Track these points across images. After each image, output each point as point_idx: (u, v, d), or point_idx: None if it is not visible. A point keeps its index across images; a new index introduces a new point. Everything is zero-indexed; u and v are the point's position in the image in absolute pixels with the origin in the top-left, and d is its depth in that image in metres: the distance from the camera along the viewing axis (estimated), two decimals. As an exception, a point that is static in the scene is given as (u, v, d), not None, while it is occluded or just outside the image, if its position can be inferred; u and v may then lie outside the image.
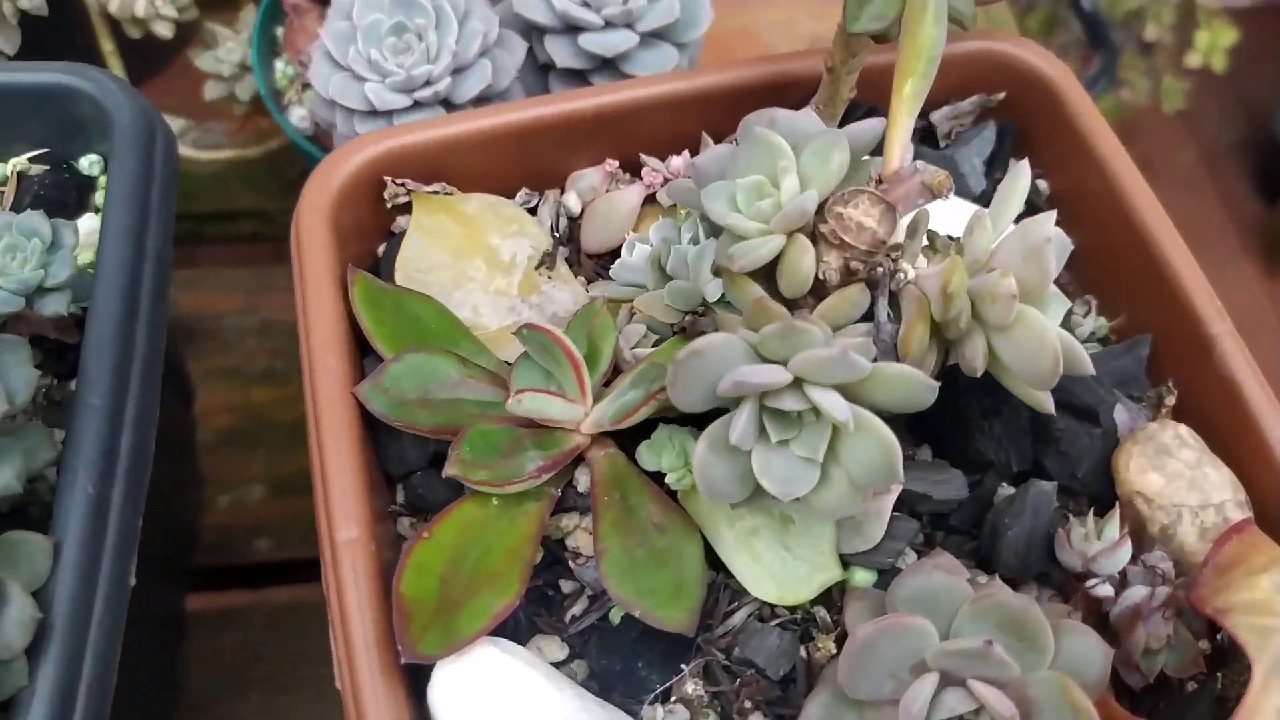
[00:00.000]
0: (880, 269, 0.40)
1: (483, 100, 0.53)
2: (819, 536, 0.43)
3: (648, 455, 0.43)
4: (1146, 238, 0.50)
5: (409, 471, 0.45)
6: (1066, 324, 0.53)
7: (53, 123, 0.48)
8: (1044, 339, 0.38)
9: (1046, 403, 0.42)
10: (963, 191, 0.53)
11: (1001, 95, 0.55)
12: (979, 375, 0.41)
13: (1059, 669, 0.38)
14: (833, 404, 0.37)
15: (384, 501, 0.45)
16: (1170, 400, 0.49)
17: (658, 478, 0.43)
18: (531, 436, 0.43)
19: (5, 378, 0.40)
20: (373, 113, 0.50)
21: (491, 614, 0.38)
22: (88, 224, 0.48)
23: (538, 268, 0.51)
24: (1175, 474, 0.45)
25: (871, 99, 0.54)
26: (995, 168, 0.55)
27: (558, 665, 0.42)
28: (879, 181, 0.41)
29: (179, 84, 0.69)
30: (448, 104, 0.51)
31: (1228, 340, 0.47)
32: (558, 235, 0.52)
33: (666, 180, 0.53)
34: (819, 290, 0.39)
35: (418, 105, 0.50)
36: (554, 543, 0.44)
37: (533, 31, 0.57)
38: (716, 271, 0.42)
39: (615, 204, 0.52)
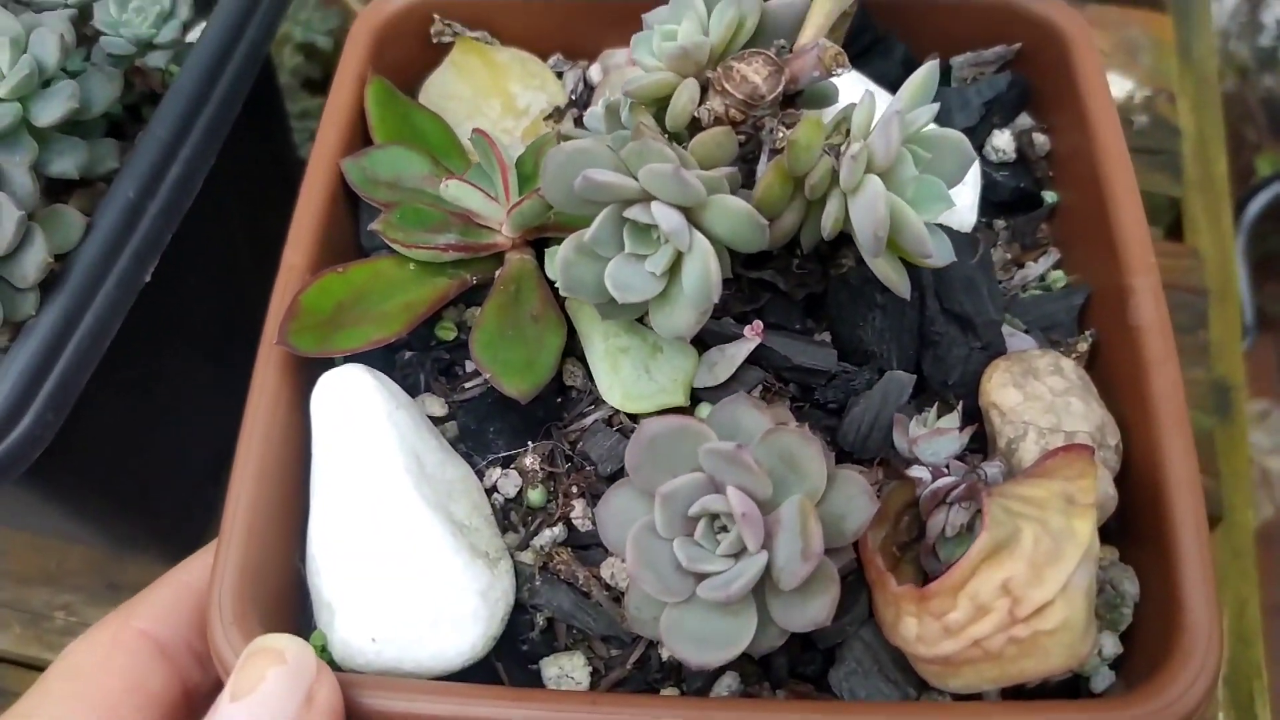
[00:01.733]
0: (765, 126, 0.44)
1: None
2: (678, 368, 0.48)
3: (549, 261, 0.49)
4: (1106, 193, 0.51)
5: (375, 245, 0.54)
6: (1022, 268, 0.54)
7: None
8: (875, 205, 0.41)
9: (901, 286, 0.44)
10: (946, 125, 0.55)
11: (1018, 46, 0.57)
12: (827, 238, 0.44)
13: (823, 508, 0.41)
14: (666, 217, 0.42)
15: (349, 259, 0.54)
16: (1082, 346, 0.50)
17: (559, 286, 0.49)
18: (459, 225, 0.50)
19: (89, 89, 0.52)
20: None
21: (368, 340, 0.46)
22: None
23: (546, 119, 0.58)
24: (1035, 395, 0.46)
25: (901, 36, 0.58)
26: (994, 111, 0.56)
27: (435, 420, 0.49)
28: (787, 50, 0.45)
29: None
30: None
31: (1145, 293, 0.48)
32: (574, 98, 0.59)
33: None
34: (699, 130, 0.44)
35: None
36: (468, 328, 0.51)
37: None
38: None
39: (627, 74, 0.58)
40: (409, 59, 0.59)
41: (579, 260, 0.45)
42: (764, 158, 0.45)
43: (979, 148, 0.56)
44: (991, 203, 0.55)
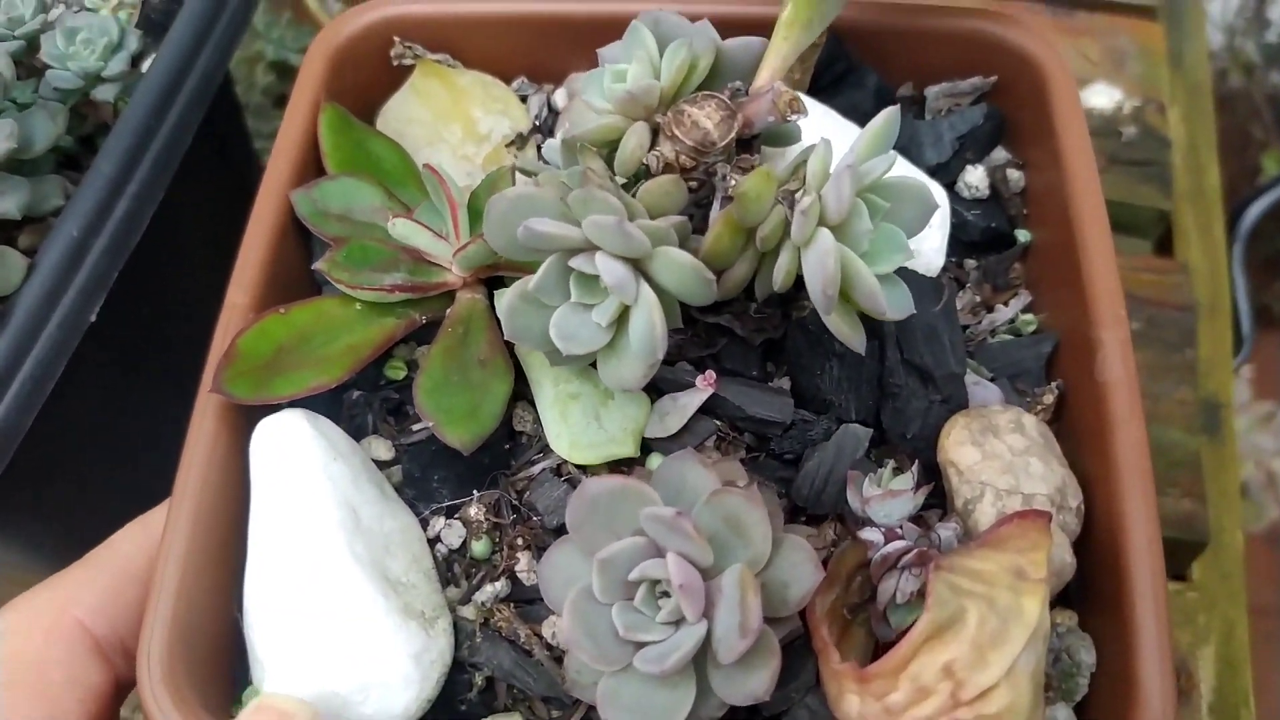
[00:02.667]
0: (717, 171, 0.43)
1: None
2: (629, 417, 0.46)
3: (499, 303, 0.48)
4: (1078, 235, 0.49)
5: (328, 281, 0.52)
6: (991, 311, 0.52)
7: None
8: (824, 262, 0.40)
9: (855, 341, 0.43)
10: (918, 160, 0.54)
11: (994, 79, 0.55)
12: (778, 290, 0.42)
13: (767, 574, 0.40)
14: (611, 270, 0.40)
15: (299, 296, 0.52)
16: (1048, 399, 0.48)
17: (510, 329, 0.48)
18: (408, 263, 0.48)
19: (30, 126, 0.50)
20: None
21: (306, 386, 0.45)
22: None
23: (509, 145, 0.57)
24: (993, 454, 0.44)
25: (875, 64, 0.56)
26: (968, 146, 0.54)
27: (381, 464, 0.48)
28: (742, 93, 0.43)
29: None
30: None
31: (1114, 346, 0.46)
32: (538, 124, 0.58)
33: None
34: (649, 175, 0.43)
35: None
36: (418, 366, 0.50)
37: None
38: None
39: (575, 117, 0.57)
40: (369, 82, 0.57)
41: (524, 308, 0.43)
42: (716, 204, 0.43)
43: (950, 183, 0.54)
44: (962, 242, 0.53)
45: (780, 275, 0.42)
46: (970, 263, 0.53)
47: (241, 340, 0.45)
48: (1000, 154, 0.56)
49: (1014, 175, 0.55)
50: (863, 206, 0.41)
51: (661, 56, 0.43)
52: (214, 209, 0.64)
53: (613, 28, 0.55)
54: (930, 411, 0.46)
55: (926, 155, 0.54)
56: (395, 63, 0.57)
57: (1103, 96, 0.88)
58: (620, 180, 0.43)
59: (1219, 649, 0.79)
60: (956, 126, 0.54)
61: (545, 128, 0.58)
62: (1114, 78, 0.88)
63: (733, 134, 0.42)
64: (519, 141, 0.57)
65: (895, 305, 0.42)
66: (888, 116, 0.42)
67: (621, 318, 0.42)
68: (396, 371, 0.49)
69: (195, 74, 0.56)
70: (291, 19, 0.79)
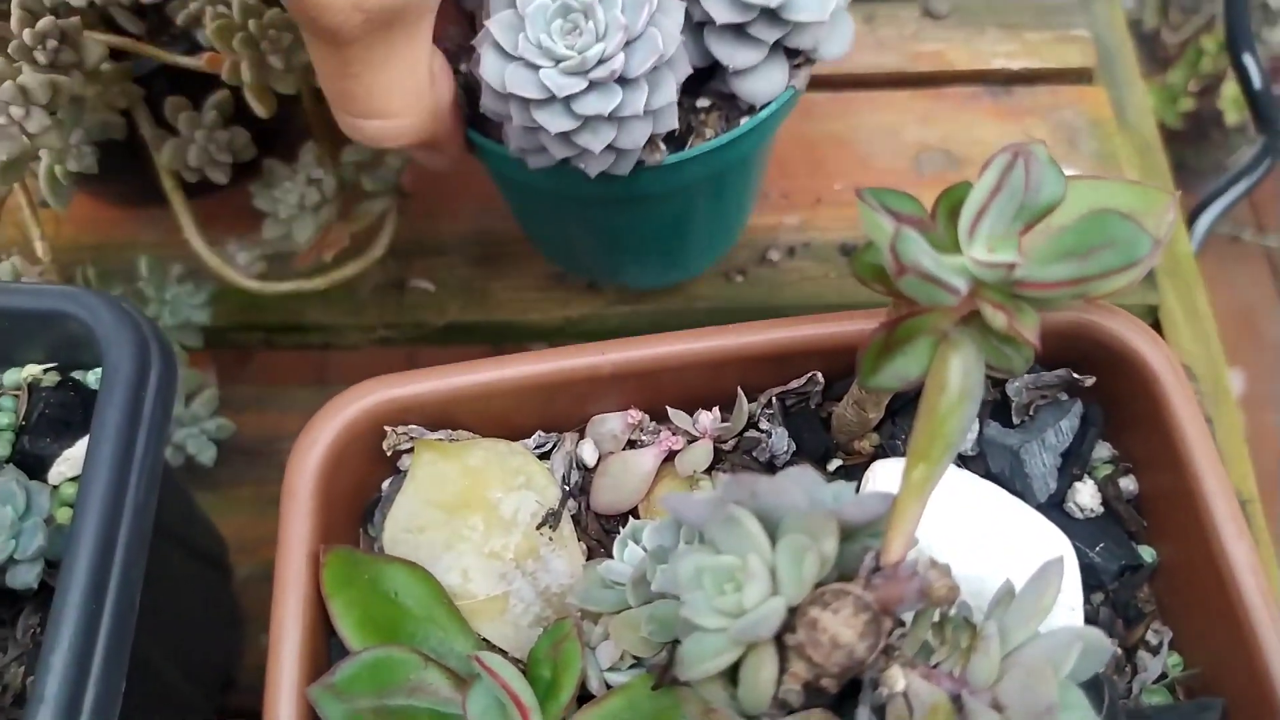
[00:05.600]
0: (864, 674, 0.35)
1: (655, 71, 0.47)
2: None
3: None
4: (1226, 574, 0.43)
5: (366, 764, 0.43)
6: (1132, 658, 0.46)
7: (59, 340, 0.48)
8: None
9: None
10: (1027, 495, 0.46)
11: (1092, 380, 0.48)
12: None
13: None
14: None
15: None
16: (1235, 794, 0.42)
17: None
18: (474, 773, 0.40)
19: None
20: (550, 99, 0.46)
21: None
22: (80, 450, 0.47)
23: (539, 526, 0.48)
24: None
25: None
26: (1072, 463, 0.47)
27: None
28: (876, 569, 0.35)
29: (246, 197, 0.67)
30: (622, 80, 0.46)
31: (1311, 737, 0.40)
32: (568, 488, 0.49)
33: (693, 439, 0.49)
34: (783, 703, 0.35)
35: (593, 86, 0.45)
36: None
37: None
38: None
39: (629, 465, 0.48)
40: (361, 478, 0.48)
41: None
42: (863, 710, 0.35)
43: (1059, 503, 0.48)
44: (1089, 585, 0.46)
45: (963, 803, 0.34)
46: (1096, 597, 0.47)
47: None
48: (1100, 451, 0.49)
49: (1125, 484, 0.48)
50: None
51: (774, 549, 0.35)
52: (183, 614, 0.54)
53: (615, 377, 0.48)
54: None
55: (1037, 491, 0.46)
56: (390, 452, 0.48)
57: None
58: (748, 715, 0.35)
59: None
60: (1057, 444, 0.47)
61: (575, 489, 0.49)
62: (1070, 158, 0.82)
63: (880, 645, 0.34)
64: (551, 520, 0.48)
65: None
66: (1055, 579, 0.35)
67: None
68: None
69: (128, 514, 0.42)
70: (183, 273, 0.68)
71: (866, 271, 0.39)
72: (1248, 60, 0.98)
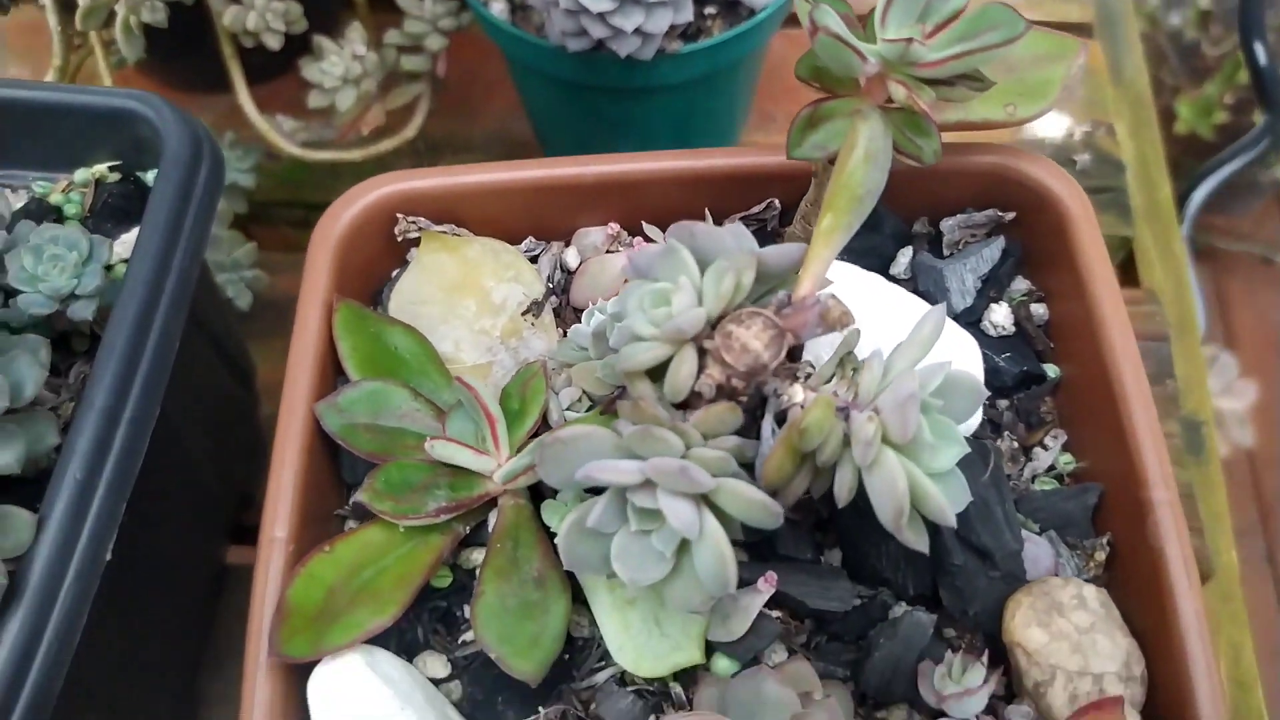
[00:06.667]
0: (768, 387, 0.42)
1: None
2: (690, 620, 0.46)
3: (547, 513, 0.47)
4: (1114, 383, 0.49)
5: (358, 482, 0.51)
6: (1029, 454, 0.52)
7: (124, 140, 0.55)
8: (894, 487, 0.39)
9: (918, 542, 0.42)
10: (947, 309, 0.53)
11: (1012, 215, 0.55)
12: (842, 505, 0.42)
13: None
14: (674, 510, 0.39)
15: (334, 505, 0.51)
16: (1100, 556, 0.49)
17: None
18: (447, 477, 0.47)
19: (17, 373, 0.47)
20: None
21: (364, 629, 0.44)
22: (134, 236, 0.55)
23: (524, 314, 0.55)
24: (1061, 634, 0.44)
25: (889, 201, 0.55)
26: (990, 286, 0.54)
27: (438, 682, 0.47)
28: (787, 304, 0.42)
29: (293, 86, 0.76)
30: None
31: (1165, 509, 0.46)
32: (551, 286, 0.56)
33: (661, 249, 0.56)
34: (698, 400, 0.42)
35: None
36: (464, 572, 0.49)
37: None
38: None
39: (606, 266, 0.56)
40: (375, 259, 0.56)
41: (582, 539, 0.42)
42: (768, 419, 0.43)
43: (976, 323, 0.54)
44: (994, 385, 0.53)
45: (844, 491, 0.41)
46: (1002, 402, 0.53)
47: (291, 592, 0.44)
48: (1019, 284, 0.56)
49: (1037, 310, 0.55)
50: (924, 421, 0.40)
51: (703, 276, 0.42)
52: (212, 408, 0.62)
53: (599, 188, 0.55)
54: (991, 588, 0.46)
55: (954, 302, 0.53)
56: (400, 238, 0.56)
57: (1053, 125, 0.89)
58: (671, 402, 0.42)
59: (1229, 670, 0.81)
60: (978, 267, 0.54)
61: (558, 288, 0.57)
62: (1061, 104, 0.88)
63: (783, 353, 0.41)
64: (535, 309, 0.55)
65: (955, 502, 0.42)
66: (935, 321, 0.42)
67: (684, 544, 0.41)
68: (443, 580, 0.48)
69: (173, 275, 0.52)
70: (235, 139, 0.76)
71: (806, 72, 0.46)
72: (1257, 46, 1.05)
